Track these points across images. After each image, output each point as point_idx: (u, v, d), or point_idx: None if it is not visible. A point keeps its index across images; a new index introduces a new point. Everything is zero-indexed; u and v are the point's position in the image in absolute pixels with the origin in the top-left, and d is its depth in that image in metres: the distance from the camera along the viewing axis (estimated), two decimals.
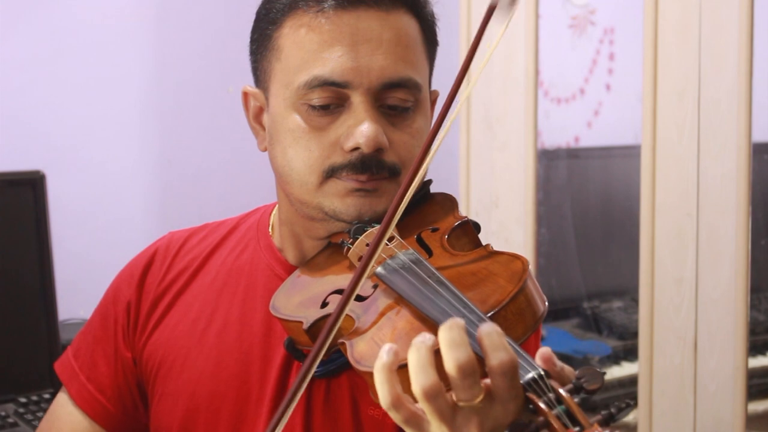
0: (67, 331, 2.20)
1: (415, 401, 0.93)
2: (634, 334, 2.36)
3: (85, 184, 2.59)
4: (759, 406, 2.33)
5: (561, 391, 0.91)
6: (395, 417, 0.94)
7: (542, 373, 0.93)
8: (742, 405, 2.07)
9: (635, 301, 2.30)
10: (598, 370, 0.93)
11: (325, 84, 1.19)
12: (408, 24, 1.23)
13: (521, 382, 0.93)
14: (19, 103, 2.49)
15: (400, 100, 1.22)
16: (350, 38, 1.19)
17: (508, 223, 2.47)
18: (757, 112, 2.05)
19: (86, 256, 2.53)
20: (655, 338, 2.20)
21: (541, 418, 0.90)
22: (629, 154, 2.49)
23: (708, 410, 2.12)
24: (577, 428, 0.89)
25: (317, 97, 1.20)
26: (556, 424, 0.89)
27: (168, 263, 1.38)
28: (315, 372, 1.20)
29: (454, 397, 0.92)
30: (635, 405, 0.85)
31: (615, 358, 2.66)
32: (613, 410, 0.90)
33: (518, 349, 0.95)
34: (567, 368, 0.96)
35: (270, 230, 1.36)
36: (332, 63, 1.19)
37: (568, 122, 3.05)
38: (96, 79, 2.59)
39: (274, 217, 1.37)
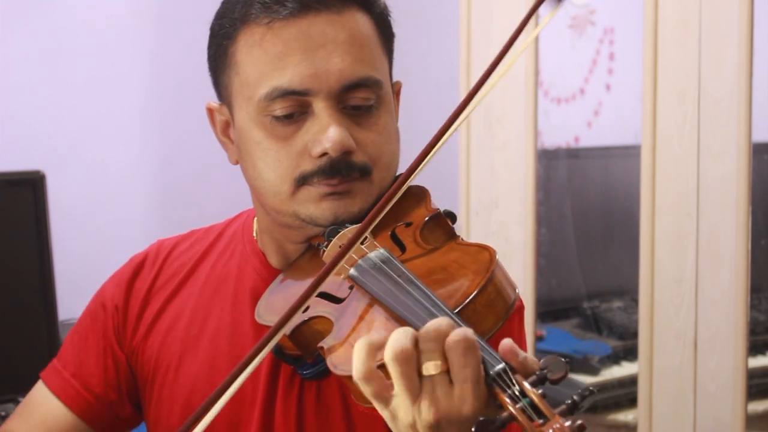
0: (67, 331, 2.20)
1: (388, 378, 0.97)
2: (634, 334, 2.37)
3: (85, 184, 2.59)
4: (759, 406, 2.33)
5: (525, 384, 0.93)
6: (365, 389, 0.97)
7: (505, 366, 0.94)
8: (742, 405, 2.08)
9: (635, 301, 2.30)
10: (561, 359, 0.94)
11: (285, 94, 1.19)
12: (361, 22, 1.23)
13: (487, 375, 0.94)
14: (19, 103, 2.49)
15: (363, 100, 1.22)
16: (305, 45, 1.19)
17: (508, 223, 2.47)
18: (757, 112, 2.05)
19: (86, 256, 2.53)
20: (655, 338, 2.20)
21: (506, 413, 0.92)
22: (629, 154, 2.49)
23: (708, 410, 2.12)
24: (541, 420, 0.90)
25: (279, 108, 1.20)
26: (521, 417, 0.90)
27: (157, 269, 1.39)
28: (305, 374, 1.22)
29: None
30: (597, 391, 0.87)
31: (615, 358, 2.66)
32: (576, 398, 0.91)
33: (483, 343, 0.97)
34: (530, 358, 0.97)
35: (255, 234, 1.36)
36: (290, 72, 1.19)
37: (568, 122, 3.05)
38: (96, 79, 2.59)
39: (257, 223, 1.37)
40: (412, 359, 0.95)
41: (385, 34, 1.27)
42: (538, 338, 2.69)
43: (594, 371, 2.58)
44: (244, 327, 1.30)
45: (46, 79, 2.53)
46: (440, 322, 0.96)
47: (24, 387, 1.43)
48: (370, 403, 1.03)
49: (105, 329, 1.38)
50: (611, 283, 2.87)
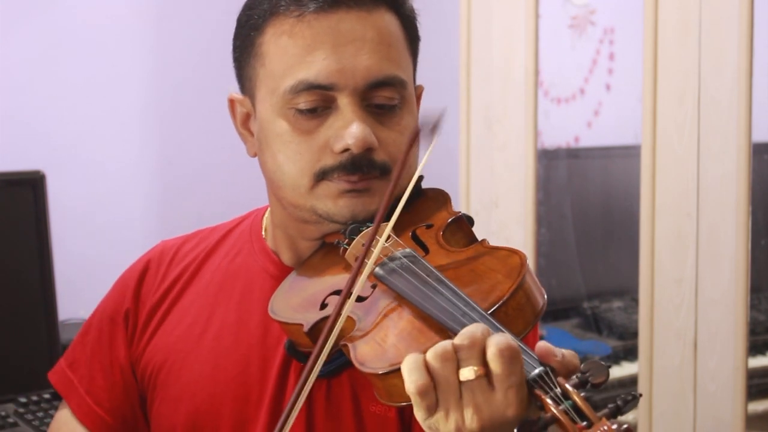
0: (67, 331, 2.20)
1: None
2: (634, 334, 2.36)
3: (85, 184, 2.59)
4: (759, 406, 2.33)
5: (567, 386, 0.92)
6: (419, 403, 0.97)
7: (547, 368, 0.94)
8: (742, 405, 2.07)
9: (635, 301, 2.30)
10: (603, 363, 0.94)
11: (311, 87, 1.19)
12: (389, 22, 1.23)
13: (527, 378, 0.94)
14: (19, 103, 2.49)
15: (387, 99, 1.22)
16: (333, 40, 1.19)
17: (508, 223, 2.47)
18: (757, 112, 2.05)
19: (86, 256, 2.53)
20: (655, 338, 2.20)
21: (548, 414, 0.91)
22: (629, 154, 2.49)
23: (708, 410, 2.12)
24: (584, 423, 0.90)
25: (304, 101, 1.20)
26: (563, 419, 0.90)
27: (163, 271, 1.38)
28: None
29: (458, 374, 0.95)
30: (641, 395, 0.86)
31: (615, 358, 2.66)
32: (619, 403, 0.91)
33: (523, 346, 0.97)
34: (567, 353, 0.97)
35: (263, 233, 1.36)
36: (317, 66, 1.19)
37: (568, 122, 3.05)
38: (96, 79, 2.59)
39: (266, 220, 1.37)
40: (431, 390, 0.96)
41: (412, 36, 1.28)
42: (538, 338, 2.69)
43: None
44: (251, 325, 1.30)
45: (46, 79, 2.53)
46: (474, 330, 0.96)
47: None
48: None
49: (112, 341, 1.38)
50: (611, 283, 2.87)
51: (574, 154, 2.99)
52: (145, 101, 2.67)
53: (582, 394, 0.91)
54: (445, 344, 0.96)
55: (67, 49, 2.55)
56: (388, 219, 1.12)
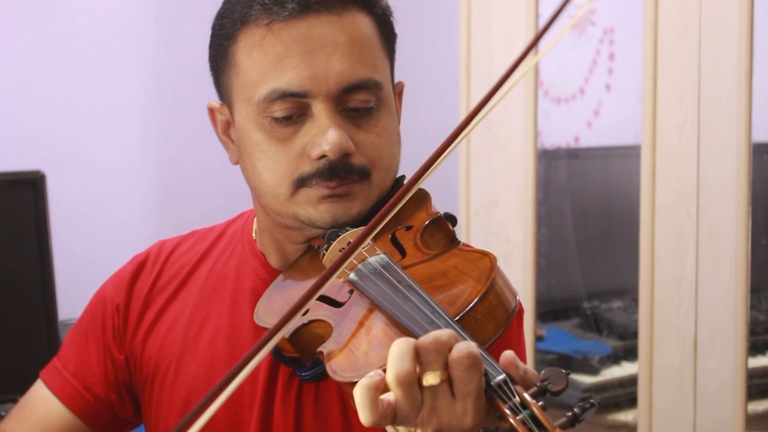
0: (67, 331, 2.20)
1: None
2: (634, 334, 2.37)
3: (85, 184, 2.59)
4: (759, 406, 2.33)
5: (525, 395, 0.92)
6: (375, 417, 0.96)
7: (506, 377, 0.94)
8: (742, 405, 2.08)
9: (635, 301, 2.30)
10: (562, 370, 0.94)
11: (284, 96, 1.19)
12: (362, 23, 1.22)
13: (488, 385, 0.94)
14: (19, 103, 2.50)
15: (362, 102, 1.21)
16: (304, 47, 1.19)
17: (508, 223, 2.47)
18: (757, 112, 2.05)
19: (86, 256, 2.53)
20: (655, 338, 2.20)
21: (506, 425, 0.91)
22: (629, 154, 2.49)
23: (708, 410, 2.12)
24: None
25: (278, 110, 1.20)
26: (521, 429, 0.90)
27: (158, 269, 1.39)
28: (304, 376, 1.22)
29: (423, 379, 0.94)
30: (598, 404, 0.86)
31: (615, 358, 2.66)
32: (577, 411, 0.91)
33: (484, 354, 0.96)
34: (531, 371, 0.96)
35: (254, 235, 1.36)
36: (289, 74, 1.19)
37: (568, 122, 3.05)
38: (96, 79, 2.59)
39: (256, 223, 1.37)
40: (413, 378, 0.94)
41: (387, 35, 1.26)
42: (538, 338, 2.69)
43: (594, 371, 2.58)
44: (243, 328, 1.30)
45: (46, 79, 2.53)
46: (440, 333, 0.95)
47: (24, 387, 1.44)
48: None
49: (104, 329, 1.39)
50: (611, 283, 2.87)
51: (574, 154, 2.99)
52: (145, 101, 2.67)
53: (540, 404, 0.91)
54: (404, 362, 0.94)
55: (67, 49, 2.55)
56: (365, 224, 1.12)
